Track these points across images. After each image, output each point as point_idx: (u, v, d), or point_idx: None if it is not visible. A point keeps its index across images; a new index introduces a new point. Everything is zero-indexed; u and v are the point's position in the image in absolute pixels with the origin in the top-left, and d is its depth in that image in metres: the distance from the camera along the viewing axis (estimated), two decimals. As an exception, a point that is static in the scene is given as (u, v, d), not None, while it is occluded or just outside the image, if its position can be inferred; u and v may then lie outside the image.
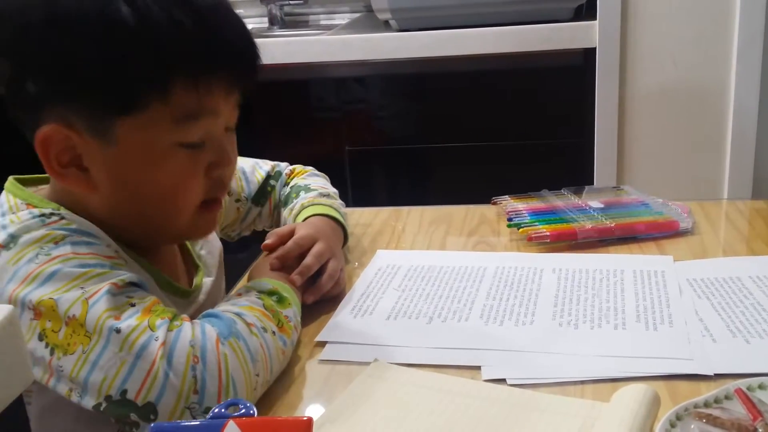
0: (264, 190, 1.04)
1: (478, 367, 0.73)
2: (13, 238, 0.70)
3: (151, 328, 0.65)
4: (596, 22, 1.72)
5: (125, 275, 0.70)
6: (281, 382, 0.73)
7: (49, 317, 0.66)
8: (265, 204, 1.04)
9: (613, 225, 1.01)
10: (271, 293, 0.77)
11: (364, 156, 1.92)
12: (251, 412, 0.53)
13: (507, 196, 1.15)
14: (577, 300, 0.85)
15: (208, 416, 0.53)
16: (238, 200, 1.01)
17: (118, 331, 0.65)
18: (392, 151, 1.91)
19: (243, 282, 0.90)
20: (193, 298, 0.87)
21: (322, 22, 2.36)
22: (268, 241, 0.88)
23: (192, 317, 0.71)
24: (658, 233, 1.01)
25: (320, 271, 0.87)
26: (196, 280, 0.89)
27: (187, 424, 0.55)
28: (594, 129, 1.80)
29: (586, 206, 1.09)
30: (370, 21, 2.10)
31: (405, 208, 1.19)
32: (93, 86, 0.68)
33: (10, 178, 0.78)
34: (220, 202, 0.81)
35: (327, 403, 0.69)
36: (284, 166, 1.08)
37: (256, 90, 0.76)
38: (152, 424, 0.54)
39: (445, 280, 0.92)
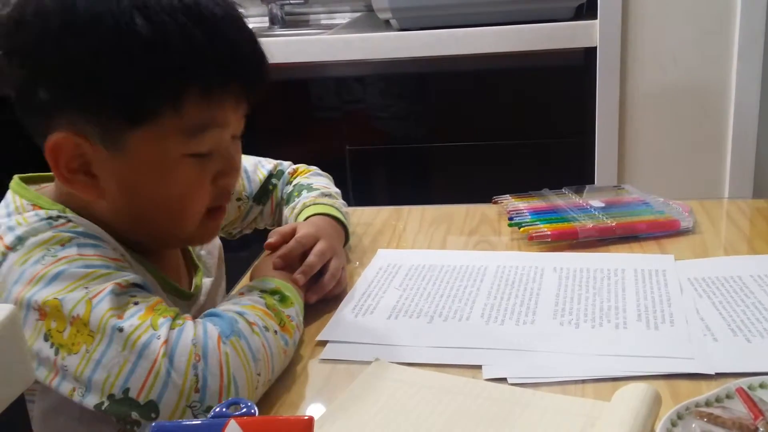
0: (266, 189, 1.04)
1: (479, 366, 0.73)
2: (20, 240, 0.70)
3: (154, 326, 0.66)
4: (597, 22, 1.72)
5: (129, 276, 0.70)
6: (282, 382, 0.73)
7: (54, 317, 0.67)
8: (266, 203, 1.04)
9: (614, 224, 1.01)
10: (273, 292, 0.78)
11: (364, 155, 1.91)
12: (252, 411, 0.53)
13: (508, 195, 1.15)
14: (578, 299, 0.85)
15: (209, 415, 0.53)
16: (239, 199, 1.01)
17: (120, 329, 0.65)
18: (393, 151, 1.91)
19: (245, 281, 0.90)
20: (194, 299, 0.87)
21: (323, 22, 2.36)
22: (271, 239, 0.89)
23: (194, 317, 0.71)
24: (659, 232, 1.01)
25: (322, 270, 0.87)
26: (195, 280, 0.89)
27: (188, 423, 0.55)
28: (595, 128, 1.80)
29: (587, 205, 1.09)
30: (370, 20, 2.10)
31: (406, 208, 1.19)
32: (106, 96, 0.69)
33: (15, 178, 0.79)
34: (224, 210, 0.82)
35: (328, 402, 0.69)
36: (287, 165, 1.08)
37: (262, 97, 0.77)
38: (153, 423, 0.54)
39: (446, 279, 0.92)
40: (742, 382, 0.63)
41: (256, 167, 1.04)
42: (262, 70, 0.76)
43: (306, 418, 0.52)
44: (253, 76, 0.75)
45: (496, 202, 1.15)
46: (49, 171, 0.74)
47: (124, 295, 0.68)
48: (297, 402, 0.71)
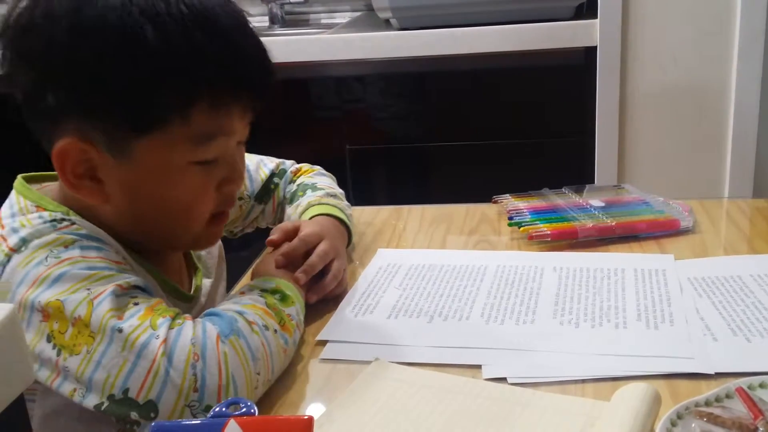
0: (267, 188, 1.04)
1: (479, 366, 0.73)
2: (24, 241, 0.71)
3: (153, 326, 0.66)
4: (597, 21, 1.72)
5: (131, 278, 0.70)
6: (282, 381, 0.73)
7: (56, 318, 0.67)
8: (268, 201, 1.04)
9: (613, 224, 1.01)
10: (274, 291, 0.78)
11: (364, 155, 1.91)
12: (252, 411, 0.53)
13: (508, 194, 1.15)
14: (577, 299, 0.85)
15: (209, 415, 0.53)
16: (241, 198, 1.01)
17: (120, 330, 0.65)
18: (393, 150, 1.91)
19: (245, 279, 0.90)
20: (195, 301, 0.87)
21: (323, 21, 2.36)
22: (273, 236, 0.89)
23: (194, 318, 0.71)
24: (659, 232, 1.01)
25: (324, 270, 0.87)
26: (195, 281, 0.89)
27: (188, 422, 0.55)
28: (595, 127, 1.80)
29: (587, 205, 1.09)
30: (370, 20, 2.10)
31: (406, 207, 1.19)
32: (113, 104, 0.69)
33: (19, 178, 0.79)
34: (227, 216, 0.83)
35: (328, 401, 0.69)
36: (289, 164, 1.08)
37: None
38: (153, 423, 0.54)
39: (446, 278, 0.92)
40: (742, 382, 0.63)
41: (258, 166, 1.04)
42: (269, 79, 0.76)
43: (306, 417, 0.52)
44: (260, 85, 0.75)
45: (496, 202, 1.15)
46: (52, 169, 0.74)
47: (125, 296, 0.68)
48: (297, 401, 0.71)
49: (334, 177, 1.09)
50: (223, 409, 0.53)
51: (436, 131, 1.89)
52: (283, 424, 0.53)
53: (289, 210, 1.01)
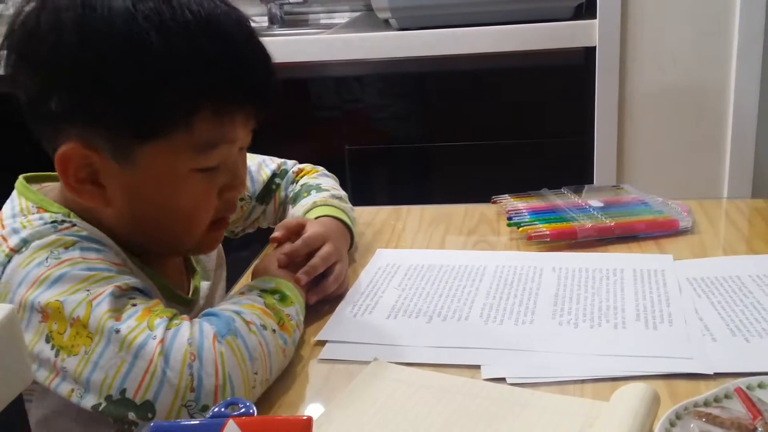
0: (269, 189, 1.04)
1: (478, 366, 0.73)
2: (25, 242, 0.71)
3: (150, 327, 0.66)
4: (596, 21, 1.72)
5: (130, 280, 0.70)
6: (281, 381, 0.73)
7: (55, 319, 0.67)
8: (269, 202, 1.04)
9: (612, 224, 1.01)
10: (273, 291, 0.78)
11: (364, 155, 1.91)
12: (251, 411, 0.53)
13: (507, 194, 1.15)
14: (576, 299, 0.85)
15: (207, 415, 0.53)
16: (242, 198, 1.01)
17: (117, 331, 0.65)
18: (392, 150, 1.91)
19: (246, 278, 0.90)
20: (194, 304, 0.87)
21: (322, 21, 2.36)
22: (276, 233, 0.89)
23: (192, 319, 0.71)
24: (657, 232, 1.01)
25: (326, 272, 0.87)
26: (194, 282, 0.89)
27: (186, 423, 0.55)
28: (594, 127, 1.80)
29: (586, 205, 1.09)
30: (369, 20, 2.10)
31: (405, 207, 1.19)
32: (117, 109, 0.69)
33: (21, 179, 0.79)
34: (228, 221, 0.83)
35: (327, 402, 0.69)
36: (291, 164, 1.08)
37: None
38: (152, 423, 0.54)
39: (445, 279, 0.92)
40: (741, 382, 0.63)
41: (260, 167, 1.04)
42: (273, 87, 0.76)
43: (305, 418, 0.52)
44: (264, 93, 0.75)
45: (495, 202, 1.15)
46: (52, 169, 0.74)
47: (124, 297, 0.68)
48: (296, 402, 0.71)
49: (336, 178, 1.09)
50: (222, 409, 0.53)
51: (435, 131, 1.89)
52: (282, 424, 0.53)
53: (293, 210, 1.01)
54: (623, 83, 1.77)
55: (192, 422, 0.55)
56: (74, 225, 0.73)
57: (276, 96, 0.76)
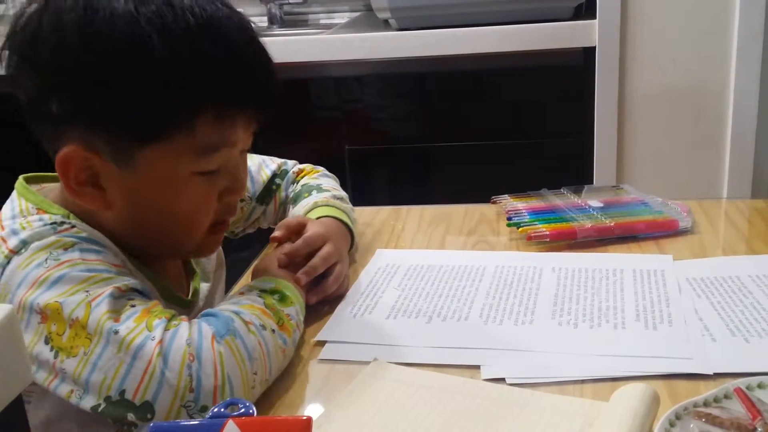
0: (269, 189, 1.04)
1: (478, 367, 0.73)
2: (24, 243, 0.71)
3: (149, 328, 0.66)
4: (596, 22, 1.72)
5: (129, 281, 0.70)
6: (281, 382, 0.73)
7: (54, 320, 0.67)
8: (269, 203, 1.04)
9: (612, 224, 1.01)
10: (273, 292, 0.78)
11: (363, 155, 1.91)
12: (251, 411, 0.53)
13: (506, 195, 1.15)
14: (576, 299, 0.85)
15: (207, 415, 0.53)
16: (242, 199, 1.01)
17: (116, 332, 0.65)
18: (392, 150, 1.91)
19: (246, 279, 0.90)
20: (193, 306, 0.87)
21: (322, 21, 2.36)
22: (277, 233, 0.89)
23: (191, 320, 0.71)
24: (657, 232, 1.01)
25: (326, 273, 0.87)
26: (193, 284, 0.89)
27: (186, 423, 0.55)
28: (593, 128, 1.80)
29: (586, 205, 1.09)
30: (369, 20, 2.10)
31: (404, 208, 1.19)
32: (119, 113, 0.69)
33: (21, 179, 0.79)
34: (228, 224, 0.83)
35: (326, 402, 0.69)
36: (291, 164, 1.08)
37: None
38: (152, 424, 0.54)
39: (445, 279, 0.92)
40: (741, 383, 0.63)
41: (260, 167, 1.04)
42: (275, 90, 0.76)
43: (304, 418, 0.52)
44: (266, 96, 0.75)
45: (494, 202, 1.15)
46: (52, 170, 0.74)
47: (123, 298, 0.68)
48: (295, 402, 0.71)
49: (337, 178, 1.09)
50: (222, 409, 0.53)
51: (434, 132, 1.89)
52: (282, 424, 0.53)
53: (293, 210, 1.01)
54: (623, 83, 1.77)
55: (192, 422, 0.55)
56: (74, 226, 0.73)
57: (277, 98, 0.76)
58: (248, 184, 1.02)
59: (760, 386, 0.63)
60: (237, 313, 0.71)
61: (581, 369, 0.71)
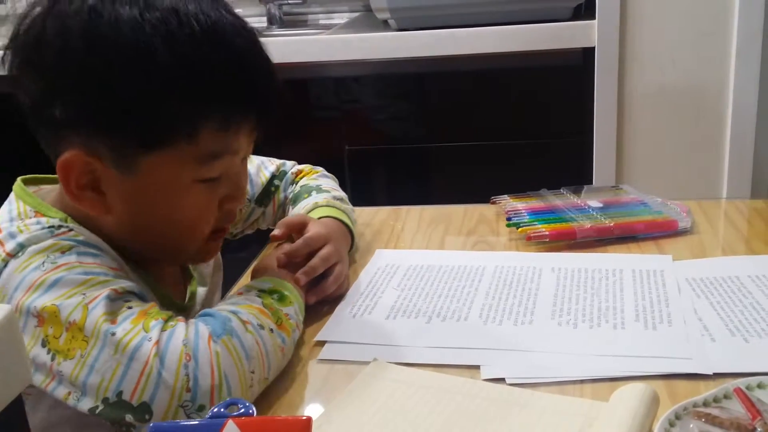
0: (268, 191, 1.04)
1: (478, 367, 0.73)
2: (21, 247, 0.71)
3: (145, 329, 0.66)
4: (595, 22, 1.72)
5: (126, 283, 0.70)
6: (280, 382, 0.73)
7: (51, 323, 0.67)
8: (268, 204, 1.04)
9: (612, 224, 1.01)
10: (271, 291, 0.78)
11: (363, 155, 1.91)
12: (250, 411, 0.53)
13: (506, 195, 1.15)
14: (576, 299, 0.85)
15: (207, 416, 0.53)
16: None
17: (113, 334, 0.65)
18: (392, 151, 1.91)
19: (245, 279, 0.90)
20: (190, 310, 0.87)
21: (321, 22, 2.36)
22: (277, 232, 0.89)
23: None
24: (657, 232, 1.02)
25: (326, 273, 0.87)
26: (190, 288, 0.89)
27: (185, 423, 0.55)
28: (593, 128, 1.80)
29: (585, 205, 1.09)
30: (369, 20, 2.10)
31: (404, 208, 1.19)
32: (122, 119, 0.69)
33: (19, 181, 0.79)
34: (227, 231, 0.83)
35: (326, 402, 0.69)
36: (290, 165, 1.07)
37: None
38: (151, 424, 0.54)
39: (444, 279, 0.92)
40: (740, 383, 0.63)
41: (259, 169, 1.04)
42: (277, 98, 0.76)
43: (304, 418, 0.52)
44: (269, 104, 0.75)
45: (494, 203, 1.15)
46: (51, 171, 0.74)
47: (119, 300, 0.68)
48: (295, 402, 0.71)
49: (336, 179, 1.09)
50: (222, 409, 0.53)
51: (434, 132, 1.89)
52: (282, 424, 0.53)
53: (293, 211, 1.00)
54: (622, 84, 1.77)
55: (191, 423, 0.55)
56: (71, 230, 0.73)
57: (279, 104, 0.76)
58: (247, 187, 1.02)
59: (759, 386, 0.63)
60: (234, 313, 0.71)
61: (581, 369, 0.71)
